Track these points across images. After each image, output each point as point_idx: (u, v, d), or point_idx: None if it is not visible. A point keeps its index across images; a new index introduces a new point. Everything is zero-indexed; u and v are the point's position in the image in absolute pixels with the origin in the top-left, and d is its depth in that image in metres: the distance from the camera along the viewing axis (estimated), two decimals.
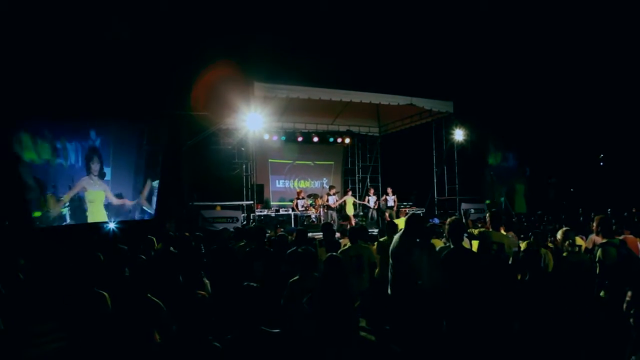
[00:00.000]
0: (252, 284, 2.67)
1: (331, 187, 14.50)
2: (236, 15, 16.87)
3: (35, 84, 10.97)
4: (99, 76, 12.03)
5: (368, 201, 14.88)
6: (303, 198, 14.23)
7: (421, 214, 11.67)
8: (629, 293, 2.44)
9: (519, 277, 4.61)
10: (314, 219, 14.05)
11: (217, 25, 16.45)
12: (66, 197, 11.75)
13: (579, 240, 5.92)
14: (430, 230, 6.45)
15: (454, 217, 4.43)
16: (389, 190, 14.80)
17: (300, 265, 3.91)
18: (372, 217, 14.81)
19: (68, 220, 11.78)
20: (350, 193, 14.83)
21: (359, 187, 18.25)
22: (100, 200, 12.44)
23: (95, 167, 12.29)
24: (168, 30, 14.03)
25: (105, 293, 3.78)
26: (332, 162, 18.31)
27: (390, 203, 14.56)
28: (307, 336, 2.98)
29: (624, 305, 2.44)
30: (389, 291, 4.44)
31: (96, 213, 12.29)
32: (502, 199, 17.73)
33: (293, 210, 13.81)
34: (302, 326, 3.06)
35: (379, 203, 14.99)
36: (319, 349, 2.98)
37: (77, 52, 11.94)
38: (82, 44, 12.06)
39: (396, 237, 4.46)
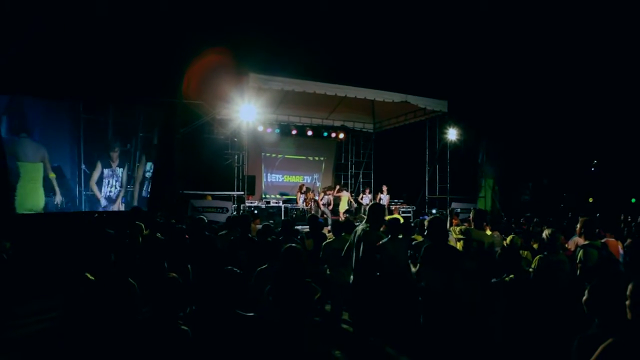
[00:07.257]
0: (234, 269, 2.71)
1: (330, 188, 14.59)
2: (234, 5, 16.78)
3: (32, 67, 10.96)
4: (92, 55, 11.98)
5: (362, 199, 15.08)
6: (305, 192, 14.36)
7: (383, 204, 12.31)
8: (630, 286, 2.42)
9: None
10: (306, 213, 14.09)
11: (214, 14, 16.37)
12: None
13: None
14: (404, 226, 6.56)
15: (433, 216, 4.55)
16: (384, 188, 15.41)
17: (275, 254, 3.99)
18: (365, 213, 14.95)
19: None
20: (345, 190, 14.95)
21: (351, 183, 18.31)
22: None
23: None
24: (164, 17, 13.92)
25: (88, 274, 3.78)
26: (324, 158, 18.35)
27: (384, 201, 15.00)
28: (272, 321, 3.04)
29: (628, 302, 2.43)
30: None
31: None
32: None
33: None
34: (268, 312, 3.11)
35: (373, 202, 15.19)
36: (282, 334, 3.05)
37: (72, 36, 11.88)
38: (77, 27, 11.99)
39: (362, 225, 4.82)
